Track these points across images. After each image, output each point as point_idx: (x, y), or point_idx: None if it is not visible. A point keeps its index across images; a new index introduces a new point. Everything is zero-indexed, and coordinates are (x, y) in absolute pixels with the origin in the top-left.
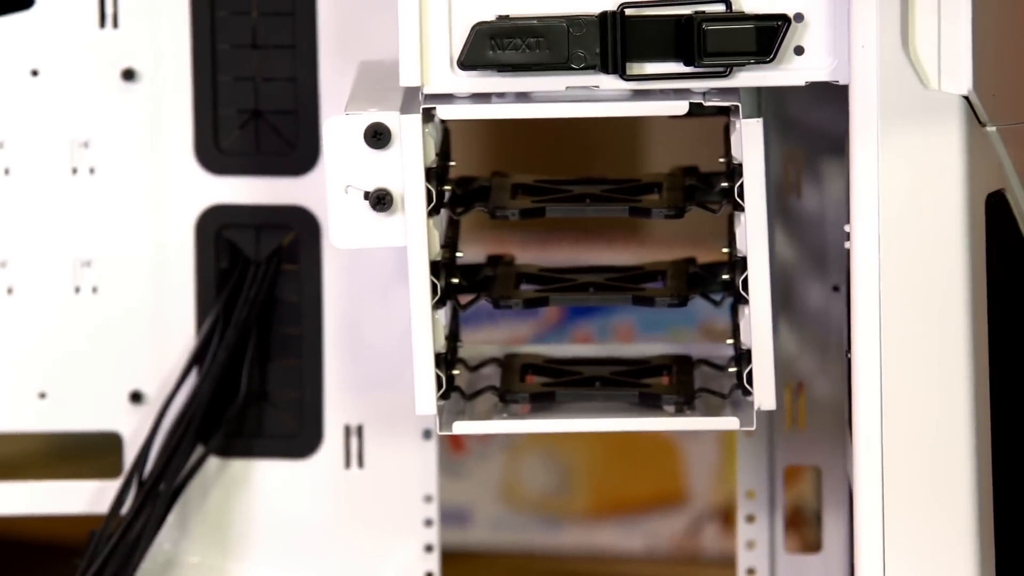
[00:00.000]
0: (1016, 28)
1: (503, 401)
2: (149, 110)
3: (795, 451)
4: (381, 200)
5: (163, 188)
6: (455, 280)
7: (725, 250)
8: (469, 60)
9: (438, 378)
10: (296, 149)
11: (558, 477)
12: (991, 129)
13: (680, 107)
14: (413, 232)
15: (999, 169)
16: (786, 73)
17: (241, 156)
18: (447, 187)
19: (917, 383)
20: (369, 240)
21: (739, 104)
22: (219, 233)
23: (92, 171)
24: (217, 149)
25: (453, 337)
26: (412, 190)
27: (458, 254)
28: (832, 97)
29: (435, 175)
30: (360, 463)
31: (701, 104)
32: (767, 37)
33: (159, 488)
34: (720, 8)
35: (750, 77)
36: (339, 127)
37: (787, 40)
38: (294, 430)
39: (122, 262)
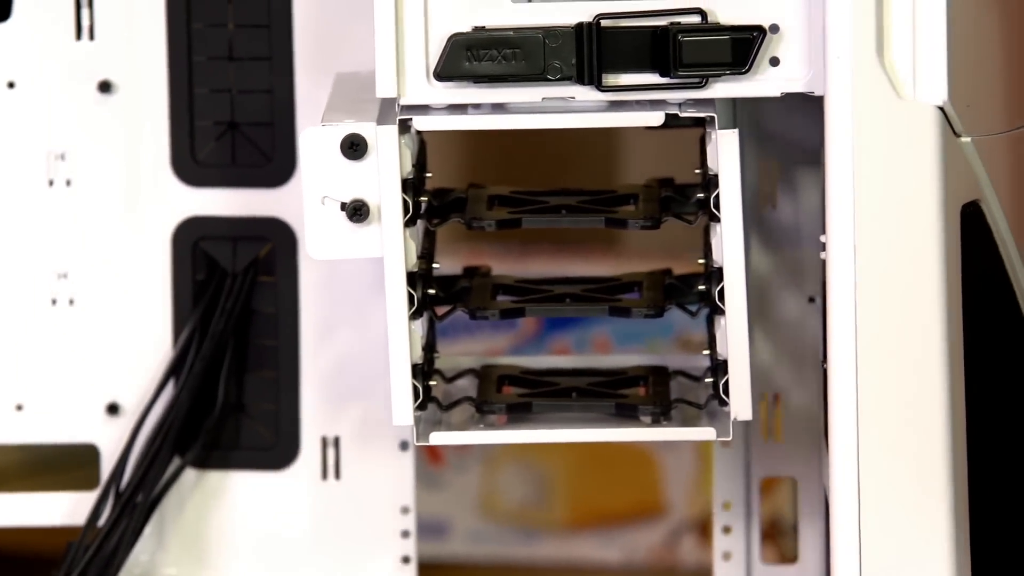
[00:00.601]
0: (991, 38)
1: (480, 412)
2: (125, 122)
3: (771, 462)
4: (358, 211)
5: (140, 200)
6: (432, 291)
7: (701, 261)
8: (445, 71)
9: (415, 389)
10: (273, 161)
11: (535, 489)
12: (966, 140)
13: (656, 118)
14: (390, 243)
15: (974, 179)
16: (762, 84)
17: (217, 168)
18: (423, 198)
19: (893, 393)
20: (345, 251)
21: (715, 115)
22: (196, 245)
23: (68, 183)
24: (194, 161)
25: (430, 348)
26: (388, 201)
27: (435, 265)
28: (807, 109)
29: (411, 186)
30: (337, 475)
31: (677, 115)
32: (742, 48)
33: (136, 500)
34: (695, 19)
35: (726, 88)
36: (315, 138)
37: (762, 51)
38: (271, 442)
39: (98, 274)
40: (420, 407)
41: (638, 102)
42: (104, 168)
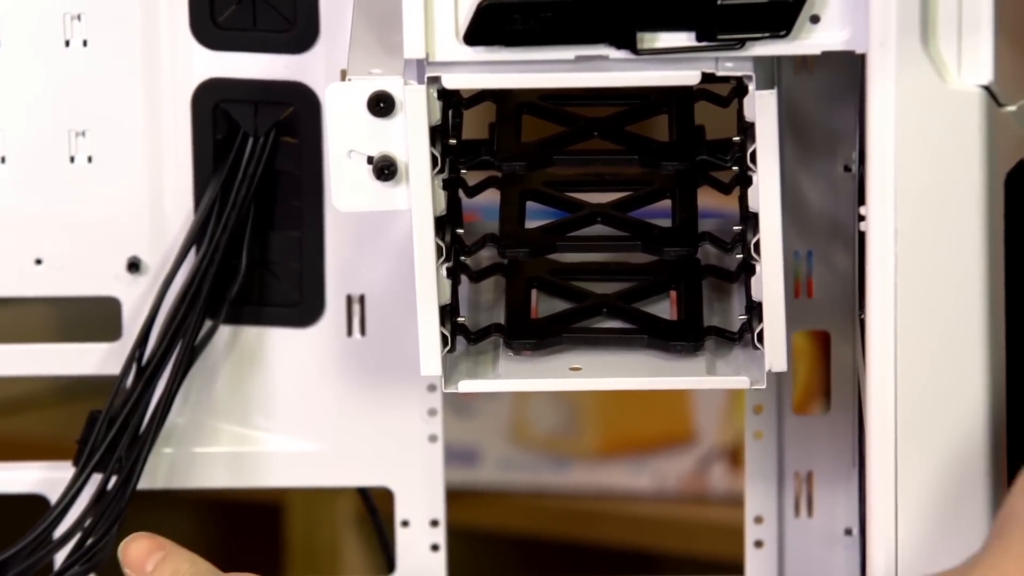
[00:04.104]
0: None
1: (509, 347)
2: None
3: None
4: (385, 171)
5: (158, 62)
6: (460, 230)
7: (737, 228)
8: (475, 37)
9: (443, 337)
10: (295, 27)
11: (566, 416)
12: (1011, 108)
13: (692, 77)
14: (418, 197)
15: (1020, 141)
16: (802, 43)
17: (238, 32)
18: (452, 141)
19: (932, 358)
20: (372, 203)
21: (752, 75)
22: (216, 107)
23: (85, 44)
24: (214, 24)
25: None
26: (416, 158)
27: (459, 231)
28: None
29: (439, 137)
30: (363, 331)
31: (713, 74)
32: (784, 14)
33: (165, 362)
34: None
35: (765, 48)
36: (340, 94)
37: (803, 11)
38: (297, 300)
39: (117, 133)
40: (449, 350)
41: (673, 60)
42: (121, 30)
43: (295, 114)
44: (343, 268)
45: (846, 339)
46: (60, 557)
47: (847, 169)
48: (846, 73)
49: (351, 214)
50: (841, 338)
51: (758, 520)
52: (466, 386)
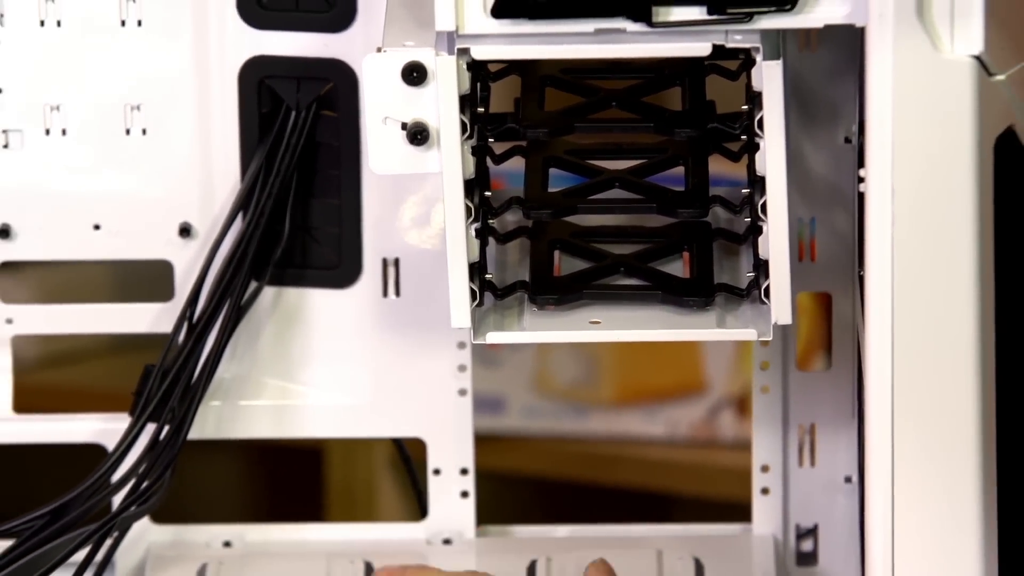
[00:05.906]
0: None
1: (533, 302)
2: None
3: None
4: (418, 136)
5: (207, 40)
6: (488, 192)
7: (745, 191)
8: (502, 11)
9: (472, 292)
10: (334, 6)
11: (586, 368)
12: (1000, 77)
13: (703, 48)
14: (448, 161)
15: (1008, 110)
16: (805, 17)
17: (281, 12)
18: (480, 109)
19: (927, 316)
20: (406, 167)
21: (760, 46)
22: (261, 83)
23: (140, 23)
24: (259, 5)
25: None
26: (447, 124)
27: (487, 193)
28: None
29: (468, 106)
30: (397, 292)
31: (723, 46)
32: None
33: (214, 320)
34: None
35: (771, 21)
36: (376, 64)
37: None
38: (335, 263)
39: (169, 107)
40: (477, 304)
41: (686, 33)
42: (173, 10)
43: (334, 89)
44: (379, 233)
45: (846, 300)
46: (117, 500)
47: (847, 141)
48: (846, 52)
49: (387, 183)
50: (842, 299)
51: (764, 469)
52: (493, 337)
